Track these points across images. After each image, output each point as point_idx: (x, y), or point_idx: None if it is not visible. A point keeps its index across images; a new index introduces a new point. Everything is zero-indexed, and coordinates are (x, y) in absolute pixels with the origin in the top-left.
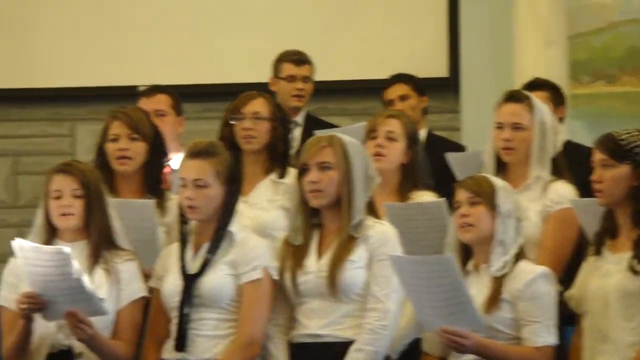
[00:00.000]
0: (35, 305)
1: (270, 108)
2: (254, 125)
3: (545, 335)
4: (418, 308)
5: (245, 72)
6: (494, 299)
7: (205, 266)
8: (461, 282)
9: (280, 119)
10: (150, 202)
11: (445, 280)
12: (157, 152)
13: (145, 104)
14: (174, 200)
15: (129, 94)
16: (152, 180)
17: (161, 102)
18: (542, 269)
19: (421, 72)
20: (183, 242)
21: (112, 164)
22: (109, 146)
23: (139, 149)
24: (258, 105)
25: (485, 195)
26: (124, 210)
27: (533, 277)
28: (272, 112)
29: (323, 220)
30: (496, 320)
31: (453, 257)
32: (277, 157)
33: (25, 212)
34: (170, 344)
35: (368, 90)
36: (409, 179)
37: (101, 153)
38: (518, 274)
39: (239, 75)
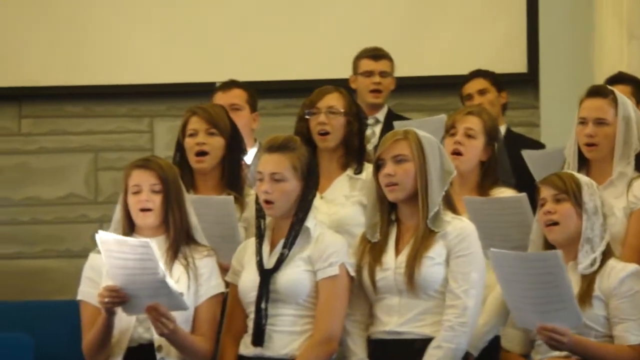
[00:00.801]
0: (117, 299)
1: (345, 102)
2: (328, 120)
3: (639, 334)
4: (514, 304)
5: (325, 68)
6: (586, 297)
7: (281, 261)
8: (567, 279)
9: (356, 114)
10: (230, 199)
11: (549, 277)
12: (235, 148)
13: (221, 98)
14: (252, 196)
15: (207, 90)
16: (231, 176)
17: (237, 96)
18: (634, 266)
19: (500, 68)
20: (260, 237)
21: (190, 160)
22: (188, 141)
23: (216, 144)
24: (333, 100)
25: (571, 192)
26: (204, 207)
27: (626, 275)
28: (347, 107)
29: (401, 216)
30: (588, 317)
31: (560, 253)
32: (353, 153)
33: (106, 208)
34: (247, 339)
35: (446, 86)
36: (488, 176)
37: (180, 148)
38: (610, 272)
39: (318, 72)
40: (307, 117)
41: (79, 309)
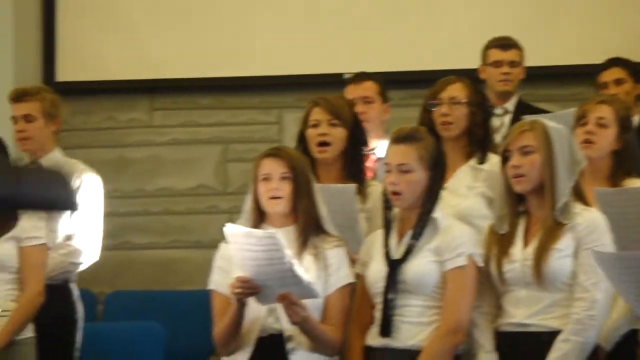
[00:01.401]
0: (249, 289)
1: (468, 92)
2: (451, 110)
3: None
4: (630, 301)
5: (452, 58)
6: None
7: (409, 252)
8: None
9: (479, 104)
10: (350, 187)
11: None
12: (357, 139)
13: (353, 90)
14: (374, 187)
15: (335, 81)
16: (352, 167)
17: (369, 88)
18: None
19: (632, 56)
20: (387, 229)
21: (313, 152)
22: (310, 132)
23: (338, 135)
24: (455, 90)
25: None
26: (325, 196)
27: None
28: (470, 96)
29: (529, 208)
30: None
31: None
32: (477, 143)
33: (235, 199)
34: (374, 330)
35: (578, 75)
36: (621, 166)
37: (302, 140)
38: None
39: (445, 62)
40: (430, 108)
41: (210, 298)
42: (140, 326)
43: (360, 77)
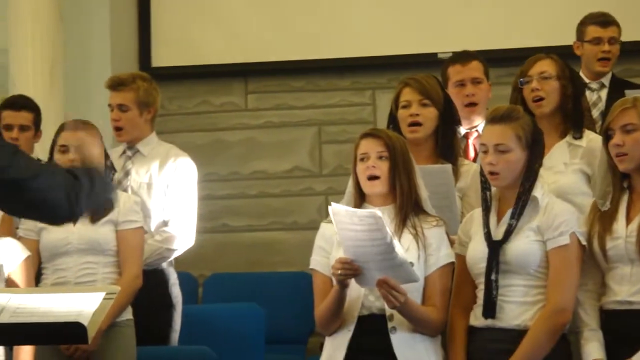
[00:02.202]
0: (351, 271)
1: (557, 67)
2: (541, 85)
3: None
4: None
5: (546, 35)
6: None
7: (509, 232)
8: None
9: (569, 78)
10: (448, 167)
11: None
12: (448, 118)
13: (460, 71)
14: (466, 166)
15: (429, 61)
16: (444, 146)
17: (476, 69)
18: None
19: None
20: (486, 209)
21: (403, 131)
22: (401, 113)
23: (429, 115)
24: (544, 65)
25: None
26: (422, 176)
27: None
28: (559, 71)
29: (634, 184)
30: None
31: None
32: (570, 119)
33: (330, 181)
34: (477, 310)
35: None
36: None
37: (393, 120)
38: None
39: (538, 39)
40: (521, 86)
41: (310, 278)
42: (240, 308)
43: (466, 56)
